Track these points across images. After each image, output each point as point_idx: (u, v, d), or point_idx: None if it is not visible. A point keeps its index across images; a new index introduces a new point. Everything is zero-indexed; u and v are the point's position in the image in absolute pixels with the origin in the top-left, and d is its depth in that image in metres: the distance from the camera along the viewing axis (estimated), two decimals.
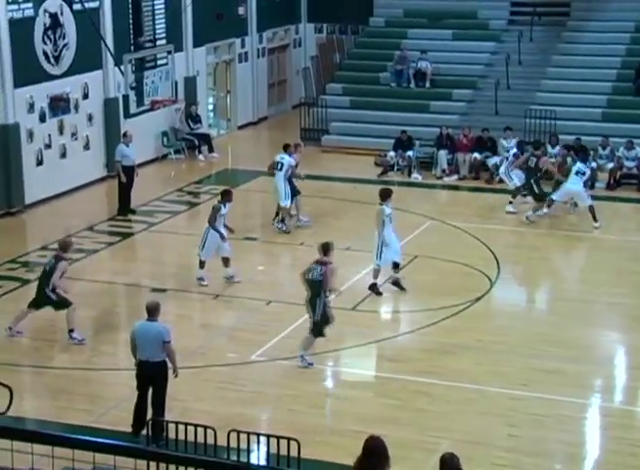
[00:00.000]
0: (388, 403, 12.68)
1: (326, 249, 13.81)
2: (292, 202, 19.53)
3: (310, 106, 27.54)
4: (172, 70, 25.70)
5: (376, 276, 16.30)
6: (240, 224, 20.37)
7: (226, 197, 16.99)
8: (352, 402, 12.74)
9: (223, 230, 16.76)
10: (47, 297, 14.56)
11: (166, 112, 25.66)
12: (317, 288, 13.49)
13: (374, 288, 16.30)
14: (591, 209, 19.57)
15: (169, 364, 11.66)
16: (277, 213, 19.67)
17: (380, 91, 27.28)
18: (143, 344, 11.56)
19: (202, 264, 16.72)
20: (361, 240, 19.14)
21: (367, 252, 18.41)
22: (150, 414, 11.47)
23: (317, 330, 13.59)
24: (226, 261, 16.77)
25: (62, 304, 14.59)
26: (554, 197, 20.09)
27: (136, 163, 21.19)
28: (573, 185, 19.84)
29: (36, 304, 14.78)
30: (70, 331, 14.54)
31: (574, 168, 20.07)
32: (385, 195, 16.49)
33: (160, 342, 11.49)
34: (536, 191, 20.13)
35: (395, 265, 16.45)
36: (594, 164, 22.84)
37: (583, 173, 20.10)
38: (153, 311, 11.71)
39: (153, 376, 11.57)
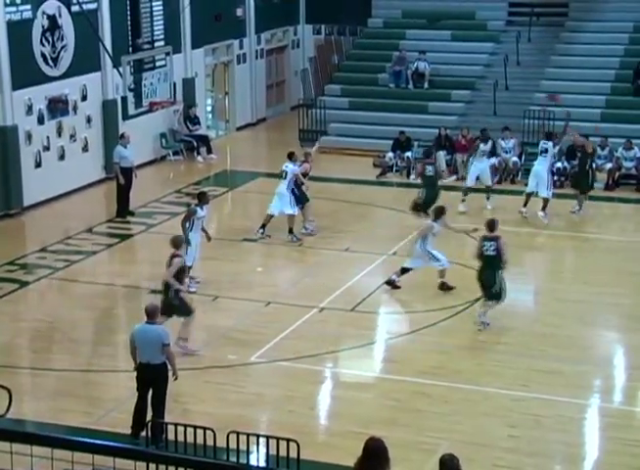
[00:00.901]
0: (388, 404, 12.68)
1: (492, 226, 15.24)
2: (300, 209, 19.31)
3: (309, 107, 27.54)
4: (171, 71, 25.71)
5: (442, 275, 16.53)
6: (239, 225, 20.42)
7: (203, 200, 16.70)
8: (352, 404, 12.74)
9: (199, 234, 16.59)
10: (170, 303, 13.85)
11: (165, 113, 25.66)
12: (493, 262, 14.94)
13: (444, 286, 16.52)
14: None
15: (169, 367, 11.66)
16: (263, 225, 19.13)
17: (378, 92, 27.29)
18: (143, 347, 11.56)
19: (187, 270, 16.55)
20: (360, 241, 19.16)
21: (365, 253, 18.45)
22: (149, 416, 11.46)
23: (497, 296, 15.03)
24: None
25: (184, 310, 14.00)
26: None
27: (134, 164, 21.19)
28: (538, 165, 20.39)
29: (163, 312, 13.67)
30: (184, 340, 14.00)
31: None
32: (438, 213, 16.63)
33: (159, 345, 11.48)
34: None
35: (405, 271, 16.44)
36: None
37: (546, 150, 20.37)
38: (152, 314, 11.71)
39: (153, 378, 11.56)
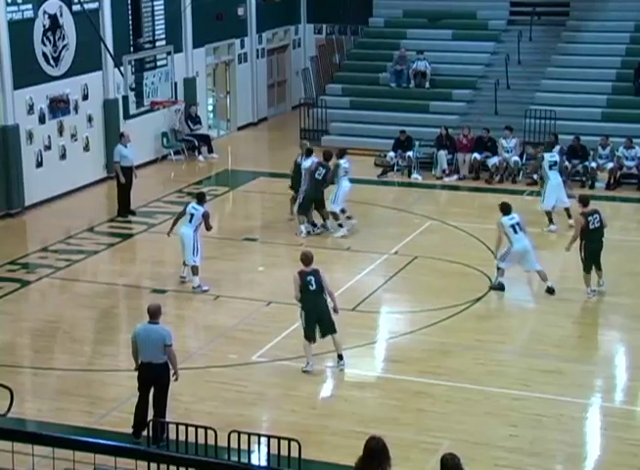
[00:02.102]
0: (389, 404, 12.69)
1: (585, 201, 16.00)
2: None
3: (310, 106, 27.54)
4: (172, 71, 25.71)
5: (501, 275, 16.48)
6: (240, 225, 20.41)
7: (203, 200, 17.09)
8: (353, 403, 12.74)
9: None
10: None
11: (166, 113, 25.66)
12: (601, 231, 15.87)
13: (497, 287, 16.43)
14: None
15: (170, 367, 11.67)
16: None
17: (379, 91, 27.28)
18: (145, 346, 11.56)
19: (196, 271, 16.63)
20: (361, 240, 19.16)
21: (367, 252, 18.45)
22: (151, 415, 11.46)
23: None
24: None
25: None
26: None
27: (135, 163, 21.20)
28: (554, 179, 19.63)
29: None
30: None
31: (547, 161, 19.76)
32: (505, 209, 16.34)
33: (161, 345, 11.49)
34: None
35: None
36: (594, 164, 22.90)
37: (555, 163, 19.82)
38: (154, 314, 11.71)
39: (154, 378, 11.57)
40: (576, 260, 16.46)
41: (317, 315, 13.45)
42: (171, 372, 11.65)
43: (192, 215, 16.61)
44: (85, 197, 22.40)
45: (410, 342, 14.72)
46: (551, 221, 19.41)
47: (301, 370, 13.45)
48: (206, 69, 27.81)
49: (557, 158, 20.07)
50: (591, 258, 16.08)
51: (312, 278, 13.37)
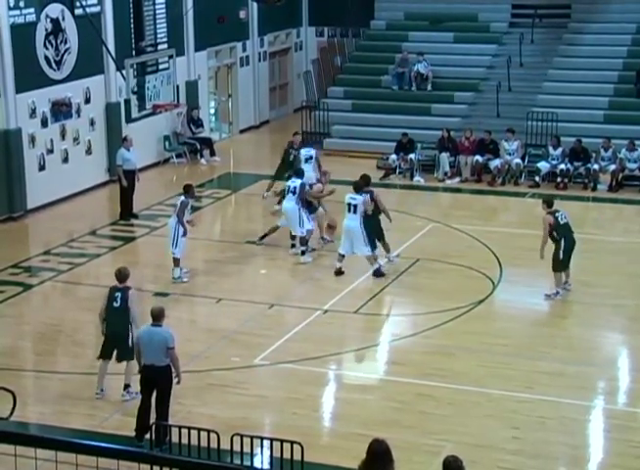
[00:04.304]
0: (392, 406, 12.68)
1: (549, 202, 16.25)
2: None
3: (312, 109, 27.55)
4: (174, 74, 25.72)
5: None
6: (242, 228, 20.41)
7: (190, 191, 17.23)
8: (356, 406, 12.73)
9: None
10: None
11: (168, 116, 25.68)
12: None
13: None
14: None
15: (173, 370, 11.67)
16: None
17: (381, 94, 27.29)
18: (147, 349, 11.57)
19: (177, 263, 16.81)
20: None
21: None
22: (153, 418, 11.46)
23: None
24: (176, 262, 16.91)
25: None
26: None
27: (137, 167, 21.21)
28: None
29: None
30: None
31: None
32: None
33: (164, 347, 11.50)
34: None
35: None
36: (596, 166, 22.89)
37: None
38: (158, 316, 11.72)
39: (157, 380, 11.57)
40: (577, 262, 16.46)
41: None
42: (174, 375, 11.65)
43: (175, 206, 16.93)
44: (87, 200, 22.41)
45: (412, 344, 14.71)
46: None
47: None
48: (208, 72, 27.84)
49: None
50: (567, 253, 16.12)
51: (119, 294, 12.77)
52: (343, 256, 17.15)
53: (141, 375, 11.73)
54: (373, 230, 17.13)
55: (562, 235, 16.10)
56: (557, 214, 16.17)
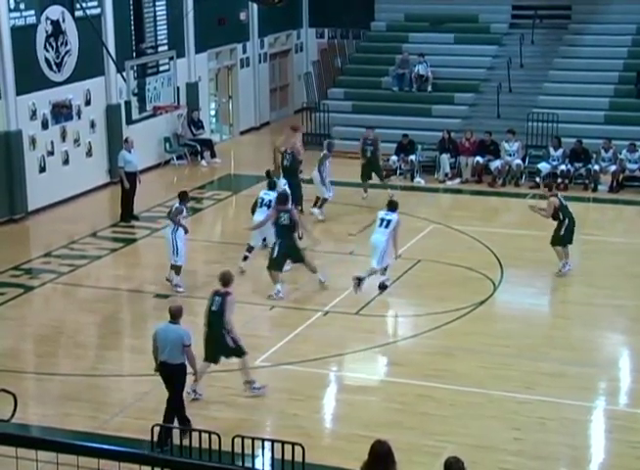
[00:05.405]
0: (393, 408, 12.68)
1: (550, 186, 17.62)
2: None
3: (312, 111, 27.56)
4: (174, 75, 25.73)
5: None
6: (243, 229, 20.37)
7: (185, 198, 17.17)
8: (357, 407, 12.73)
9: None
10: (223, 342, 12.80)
11: (169, 118, 25.69)
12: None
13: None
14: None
15: (189, 369, 11.74)
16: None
17: (382, 95, 27.30)
18: (163, 345, 11.69)
19: (179, 270, 16.67)
20: (364, 244, 19.15)
21: (369, 256, 18.42)
22: (156, 421, 11.46)
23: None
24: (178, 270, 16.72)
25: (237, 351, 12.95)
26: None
27: (139, 169, 21.21)
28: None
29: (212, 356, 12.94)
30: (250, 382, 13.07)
31: None
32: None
33: (179, 345, 11.60)
34: None
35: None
36: (596, 167, 22.89)
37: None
38: (175, 314, 11.86)
39: (169, 378, 11.63)
40: (578, 263, 16.45)
41: None
42: (191, 373, 11.72)
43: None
44: (88, 202, 22.42)
45: (413, 345, 14.71)
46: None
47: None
48: (209, 73, 27.85)
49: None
50: (570, 232, 17.20)
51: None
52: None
53: (160, 372, 11.78)
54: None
55: (565, 215, 17.17)
56: (559, 196, 17.45)
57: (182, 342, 11.59)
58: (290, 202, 17.15)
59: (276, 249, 16.39)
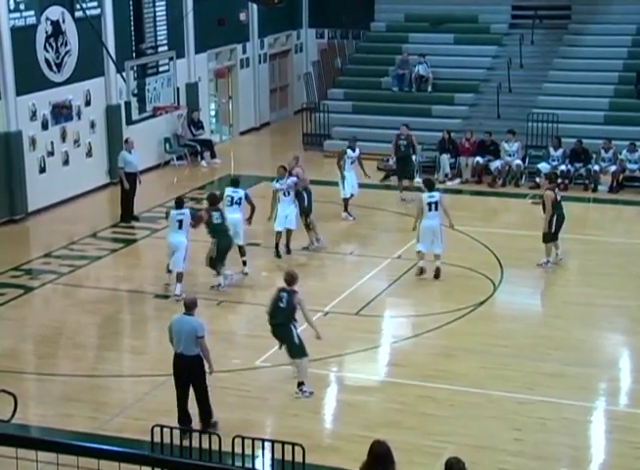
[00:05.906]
0: (393, 408, 12.67)
1: (551, 177, 17.70)
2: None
3: (312, 111, 27.56)
4: (174, 76, 25.74)
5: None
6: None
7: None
8: (357, 407, 12.73)
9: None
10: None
11: (168, 118, 25.69)
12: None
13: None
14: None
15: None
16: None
17: (382, 96, 27.29)
18: (178, 337, 11.81)
19: (181, 277, 16.52)
20: (364, 245, 19.17)
21: (370, 256, 18.44)
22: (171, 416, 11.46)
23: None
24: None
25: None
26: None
27: (139, 169, 21.21)
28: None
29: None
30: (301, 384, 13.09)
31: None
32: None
33: (193, 336, 11.70)
34: None
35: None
36: (596, 167, 22.89)
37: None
38: (190, 306, 12.06)
39: (187, 370, 11.73)
40: (578, 263, 16.45)
41: None
42: (206, 365, 11.81)
43: (180, 222, 16.61)
44: (88, 203, 22.42)
45: (414, 346, 14.71)
46: None
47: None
48: (209, 74, 27.84)
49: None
50: (558, 227, 17.41)
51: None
52: (424, 253, 17.09)
53: (173, 364, 11.80)
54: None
55: (555, 211, 17.32)
56: (556, 190, 17.69)
57: (195, 333, 11.69)
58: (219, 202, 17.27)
59: (215, 248, 16.58)
